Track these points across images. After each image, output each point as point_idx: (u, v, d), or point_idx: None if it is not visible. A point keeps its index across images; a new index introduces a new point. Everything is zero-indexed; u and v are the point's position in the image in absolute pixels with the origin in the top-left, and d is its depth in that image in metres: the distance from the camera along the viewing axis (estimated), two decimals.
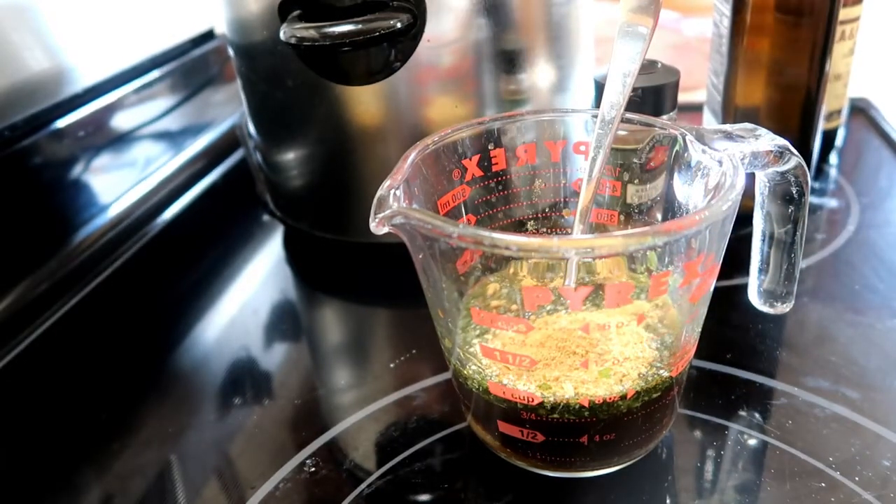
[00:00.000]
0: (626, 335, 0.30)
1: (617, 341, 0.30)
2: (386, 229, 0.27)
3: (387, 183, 0.28)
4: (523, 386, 0.29)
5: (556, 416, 0.28)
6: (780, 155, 0.29)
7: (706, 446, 0.34)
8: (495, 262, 0.33)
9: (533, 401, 0.28)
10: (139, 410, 0.40)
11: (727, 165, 0.28)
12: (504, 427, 0.30)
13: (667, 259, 0.30)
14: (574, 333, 0.31)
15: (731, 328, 0.41)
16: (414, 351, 0.42)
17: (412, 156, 0.30)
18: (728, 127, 0.30)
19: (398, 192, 0.27)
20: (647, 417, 0.30)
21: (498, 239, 0.24)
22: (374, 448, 0.35)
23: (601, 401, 0.28)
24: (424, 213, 0.26)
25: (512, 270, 0.34)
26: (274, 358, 0.44)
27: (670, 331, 0.31)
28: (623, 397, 0.28)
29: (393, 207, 0.26)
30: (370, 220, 0.27)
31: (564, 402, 0.28)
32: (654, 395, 0.29)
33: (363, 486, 0.33)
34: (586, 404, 0.28)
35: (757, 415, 0.35)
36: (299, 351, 0.45)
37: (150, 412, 0.40)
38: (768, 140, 0.29)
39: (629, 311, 0.30)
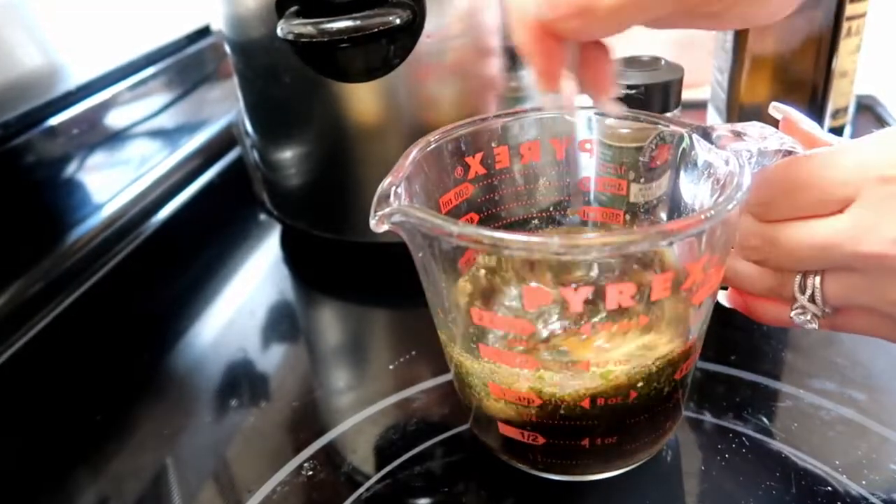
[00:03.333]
0: (629, 336, 0.30)
1: (619, 342, 0.30)
2: (386, 227, 0.27)
3: (387, 180, 0.27)
4: (524, 387, 0.28)
5: (556, 417, 0.28)
6: (788, 154, 0.29)
7: (710, 449, 0.33)
8: (496, 262, 0.33)
9: (533, 402, 0.28)
10: (134, 412, 0.39)
11: (733, 164, 0.27)
12: (505, 429, 0.30)
13: (671, 259, 0.29)
14: (576, 334, 0.30)
15: (735, 329, 0.41)
16: (413, 352, 0.41)
17: (413, 153, 0.30)
18: (739, 126, 0.30)
19: (399, 190, 0.27)
20: (649, 420, 0.29)
21: (498, 238, 0.24)
22: (372, 451, 0.35)
23: (602, 402, 0.28)
24: (424, 212, 0.26)
25: (513, 270, 0.33)
26: (271, 359, 0.44)
27: (675, 332, 0.30)
28: (625, 398, 0.28)
29: (393, 205, 0.26)
30: (370, 217, 0.26)
31: (565, 403, 0.28)
32: (657, 398, 0.28)
33: (362, 489, 0.32)
34: (587, 406, 0.28)
35: (762, 417, 0.35)
36: (297, 352, 0.45)
37: (146, 414, 0.39)
38: (776, 139, 0.29)
39: (632, 312, 0.29)
